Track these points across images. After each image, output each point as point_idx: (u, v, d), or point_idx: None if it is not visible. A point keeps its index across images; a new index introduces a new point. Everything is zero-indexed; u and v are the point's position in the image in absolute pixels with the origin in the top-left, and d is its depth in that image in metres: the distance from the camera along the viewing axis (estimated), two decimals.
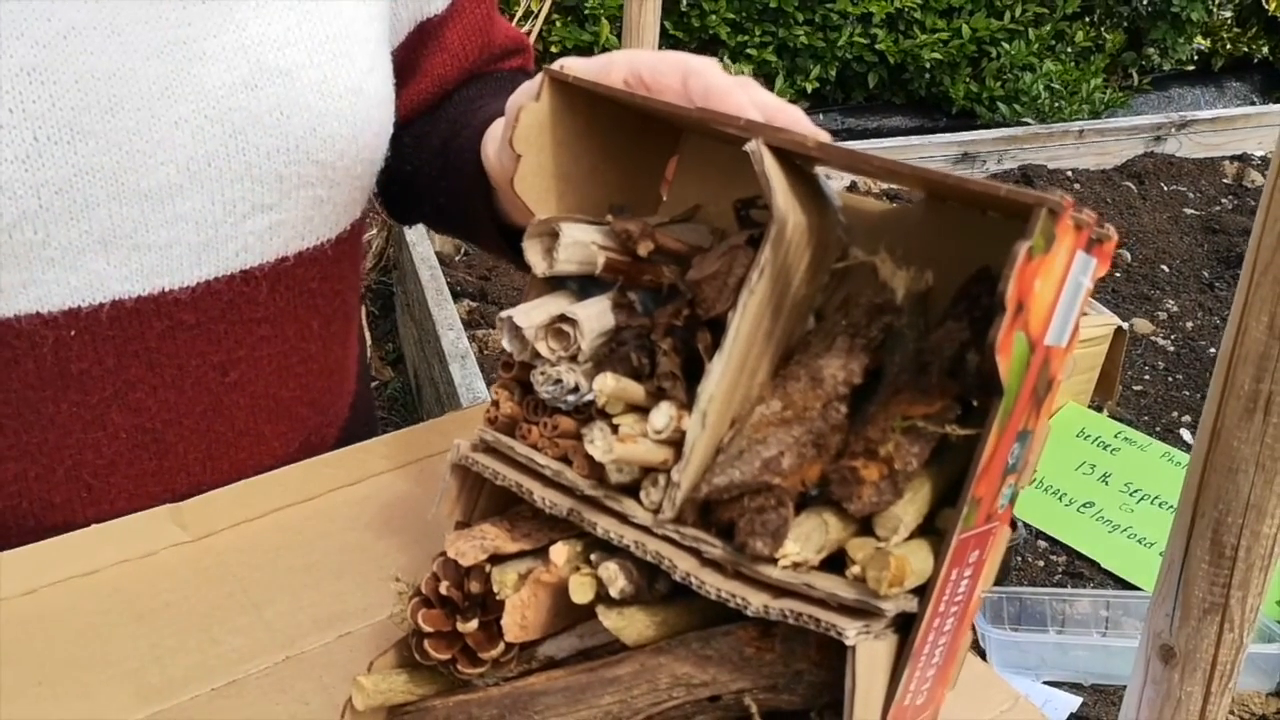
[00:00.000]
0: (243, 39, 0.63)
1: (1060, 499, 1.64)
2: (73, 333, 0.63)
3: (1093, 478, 1.68)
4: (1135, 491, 1.65)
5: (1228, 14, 3.39)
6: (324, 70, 0.66)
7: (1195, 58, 3.44)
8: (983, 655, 1.35)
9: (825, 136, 0.45)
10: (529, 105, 0.51)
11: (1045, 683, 1.35)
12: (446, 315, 1.88)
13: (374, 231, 2.45)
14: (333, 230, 0.71)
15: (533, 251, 0.49)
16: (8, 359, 0.62)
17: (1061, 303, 0.40)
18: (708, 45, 2.96)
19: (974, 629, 1.34)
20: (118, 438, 0.66)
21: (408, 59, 0.79)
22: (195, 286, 0.65)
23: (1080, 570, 1.54)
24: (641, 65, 0.52)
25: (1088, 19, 3.29)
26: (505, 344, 0.50)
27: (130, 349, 0.65)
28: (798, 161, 0.46)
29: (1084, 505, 1.63)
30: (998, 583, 1.46)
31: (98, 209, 0.61)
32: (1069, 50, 3.19)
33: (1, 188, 0.58)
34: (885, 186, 2.29)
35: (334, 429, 0.79)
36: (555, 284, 0.51)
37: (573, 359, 0.48)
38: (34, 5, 0.57)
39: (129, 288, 0.63)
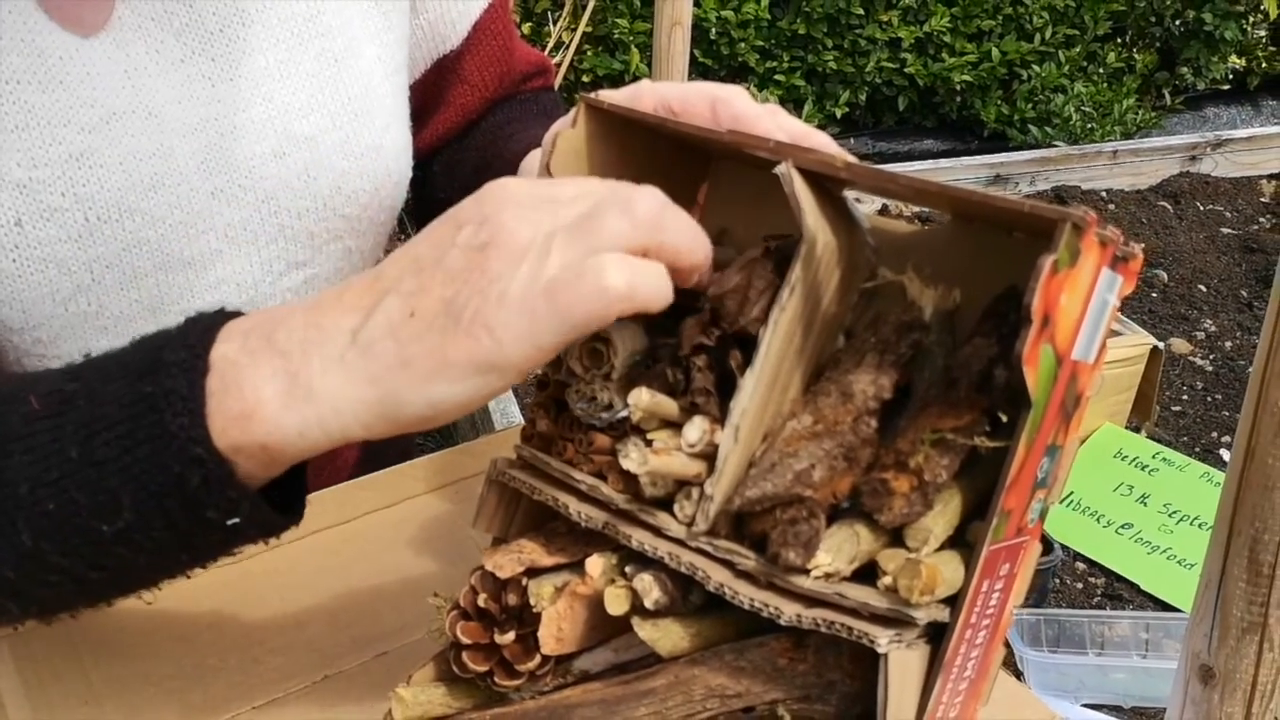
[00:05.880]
0: (270, 111, 0.66)
1: (1098, 520, 1.63)
2: None
3: (1131, 499, 1.66)
4: (1174, 512, 1.63)
5: (1262, 33, 3.36)
6: (345, 132, 0.69)
7: (1230, 77, 3.41)
8: (1020, 678, 1.33)
9: (853, 160, 0.46)
10: (565, 131, 0.52)
11: (1084, 705, 1.34)
12: None
13: None
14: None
15: None
16: None
17: (1088, 318, 0.41)
18: (737, 72, 2.98)
19: (1011, 650, 1.34)
20: None
21: (429, 93, 0.81)
22: None
23: (1119, 592, 1.52)
24: (670, 95, 0.53)
25: (1119, 40, 3.28)
26: None
27: None
28: (827, 184, 0.46)
29: (1122, 527, 1.61)
30: (1035, 605, 1.44)
31: (146, 279, 0.64)
32: (1101, 71, 3.17)
33: (58, 265, 0.60)
34: (916, 210, 2.28)
35: (353, 449, 0.81)
36: None
37: (606, 377, 0.49)
38: (77, 93, 0.60)
39: None
